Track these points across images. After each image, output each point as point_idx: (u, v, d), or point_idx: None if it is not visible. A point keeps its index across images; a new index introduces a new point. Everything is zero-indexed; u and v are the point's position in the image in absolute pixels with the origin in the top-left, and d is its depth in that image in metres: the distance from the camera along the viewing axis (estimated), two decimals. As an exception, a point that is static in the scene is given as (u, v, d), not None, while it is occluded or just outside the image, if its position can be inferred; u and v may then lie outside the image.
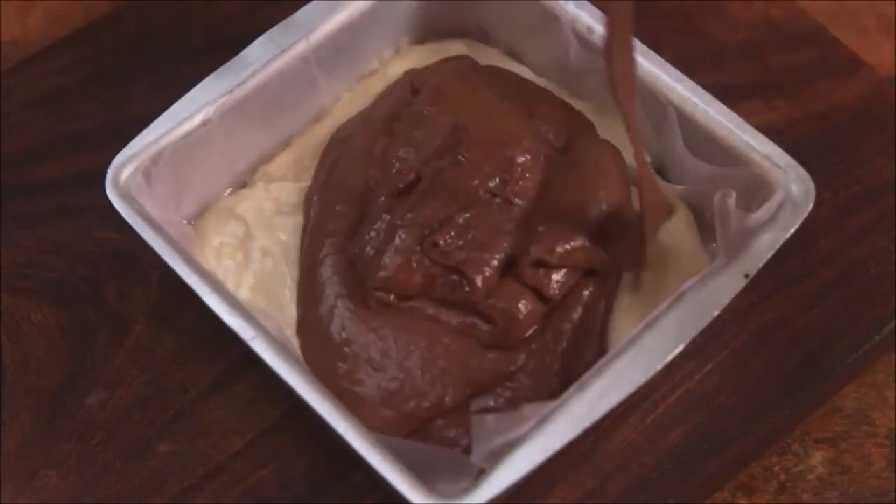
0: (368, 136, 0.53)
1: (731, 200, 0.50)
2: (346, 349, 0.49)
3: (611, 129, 0.54)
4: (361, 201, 0.52)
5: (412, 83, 0.55)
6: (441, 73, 0.55)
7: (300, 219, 0.53)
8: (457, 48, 0.58)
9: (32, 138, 0.58)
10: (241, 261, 0.52)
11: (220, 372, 0.52)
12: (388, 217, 0.50)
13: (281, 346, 0.46)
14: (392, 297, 0.49)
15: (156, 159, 0.50)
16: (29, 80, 0.60)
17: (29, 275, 0.55)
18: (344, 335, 0.49)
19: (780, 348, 0.53)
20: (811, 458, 0.53)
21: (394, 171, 0.51)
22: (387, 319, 0.49)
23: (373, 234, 0.50)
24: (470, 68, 0.55)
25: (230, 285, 0.51)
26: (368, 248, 0.50)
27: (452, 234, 0.49)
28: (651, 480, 0.50)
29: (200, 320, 0.51)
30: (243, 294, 0.51)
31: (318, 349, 0.49)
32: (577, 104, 0.55)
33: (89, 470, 0.50)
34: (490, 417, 0.46)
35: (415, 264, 0.49)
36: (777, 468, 0.53)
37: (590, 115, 0.55)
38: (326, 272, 0.50)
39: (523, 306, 0.48)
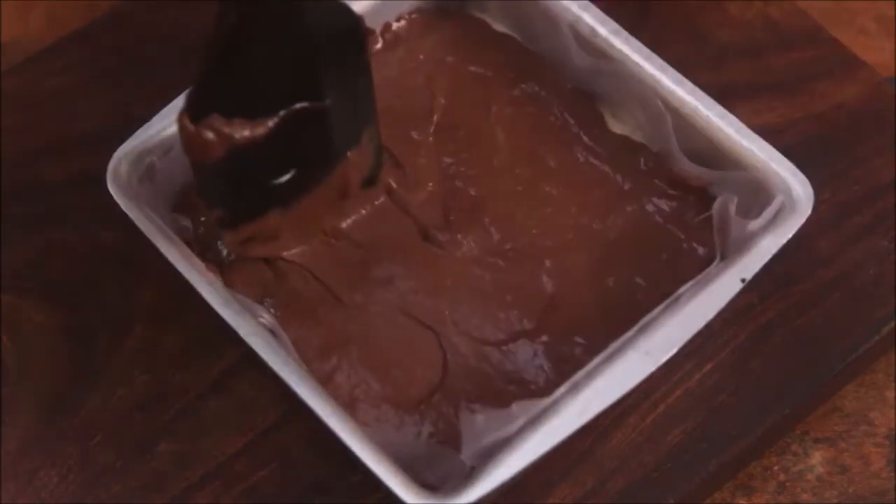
0: None
1: (732, 206, 0.50)
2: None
3: (623, 122, 0.54)
4: None
5: None
6: None
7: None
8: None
9: (32, 138, 0.58)
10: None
11: (220, 372, 0.52)
12: None
13: (277, 341, 0.47)
14: None
15: (159, 152, 0.50)
16: (29, 80, 0.60)
17: (29, 275, 0.55)
18: None
19: (779, 348, 0.53)
20: (810, 457, 0.53)
21: None
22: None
23: None
24: None
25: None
26: None
27: None
28: (651, 480, 0.50)
29: (201, 320, 0.51)
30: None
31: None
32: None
33: (89, 470, 0.50)
34: (479, 416, 0.46)
35: None
36: (776, 468, 0.53)
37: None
38: None
39: None
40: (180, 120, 0.44)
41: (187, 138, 0.44)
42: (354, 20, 0.46)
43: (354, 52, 0.47)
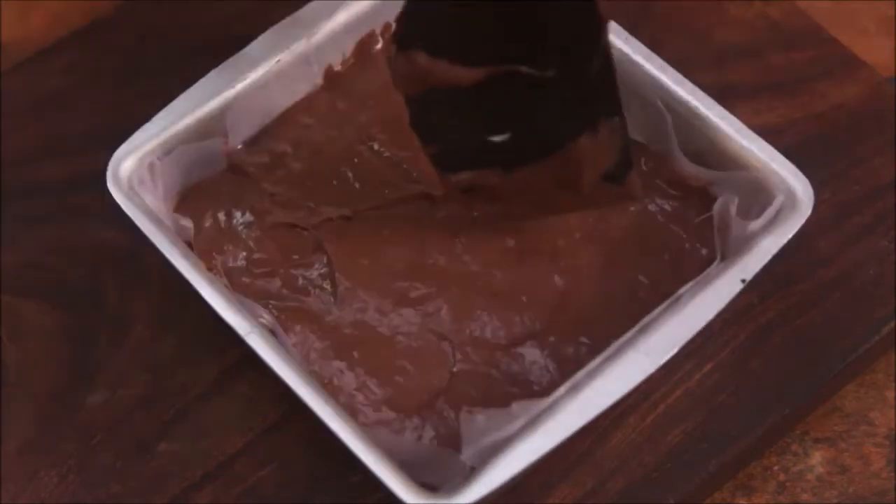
0: None
1: (733, 207, 0.50)
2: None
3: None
4: None
5: None
6: None
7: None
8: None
9: (33, 138, 0.58)
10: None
11: (220, 372, 0.52)
12: None
13: (277, 342, 0.47)
14: None
15: (159, 152, 0.50)
16: (29, 80, 0.60)
17: (29, 275, 0.55)
18: None
19: (779, 348, 0.53)
20: (810, 457, 0.53)
21: None
22: None
23: None
24: None
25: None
26: None
27: None
28: (651, 480, 0.50)
29: (201, 320, 0.51)
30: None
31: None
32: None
33: (89, 470, 0.50)
34: (480, 416, 0.46)
35: None
36: (776, 468, 0.53)
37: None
38: None
39: None
40: (386, 41, 0.44)
41: (390, 63, 0.45)
42: (591, 4, 0.44)
43: (587, 35, 0.44)
